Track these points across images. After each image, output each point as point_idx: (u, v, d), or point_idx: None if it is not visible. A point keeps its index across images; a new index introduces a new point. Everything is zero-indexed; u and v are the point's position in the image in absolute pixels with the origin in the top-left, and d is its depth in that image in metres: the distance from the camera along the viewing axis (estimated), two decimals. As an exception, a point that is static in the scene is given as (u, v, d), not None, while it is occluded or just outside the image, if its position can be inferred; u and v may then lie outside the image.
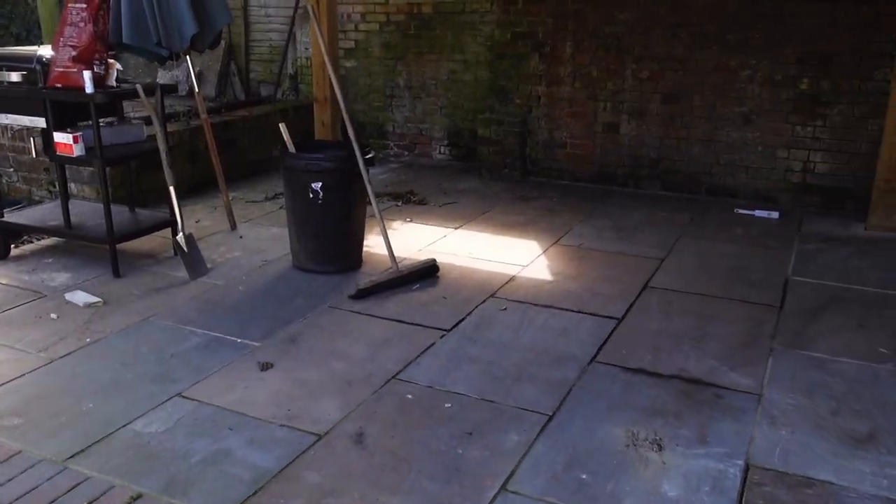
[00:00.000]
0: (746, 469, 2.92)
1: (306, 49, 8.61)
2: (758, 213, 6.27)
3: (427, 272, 4.84)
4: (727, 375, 3.63)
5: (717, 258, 5.25)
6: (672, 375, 3.63)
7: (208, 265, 4.95)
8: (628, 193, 6.99)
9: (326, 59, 5.15)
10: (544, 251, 5.38)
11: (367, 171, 4.77)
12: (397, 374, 3.63)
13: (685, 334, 4.07)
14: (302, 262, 4.95)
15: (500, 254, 5.32)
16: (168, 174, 4.82)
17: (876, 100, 6.09)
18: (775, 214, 6.21)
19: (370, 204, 4.86)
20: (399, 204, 6.60)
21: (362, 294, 4.51)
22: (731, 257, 5.27)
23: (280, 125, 4.85)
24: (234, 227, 5.81)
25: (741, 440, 3.11)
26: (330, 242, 4.89)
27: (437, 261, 4.93)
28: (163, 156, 4.80)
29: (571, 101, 7.17)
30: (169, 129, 5.55)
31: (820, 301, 4.52)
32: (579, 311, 4.35)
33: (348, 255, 4.99)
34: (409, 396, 3.43)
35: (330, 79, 5.34)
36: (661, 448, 3.05)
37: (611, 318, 4.27)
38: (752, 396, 3.44)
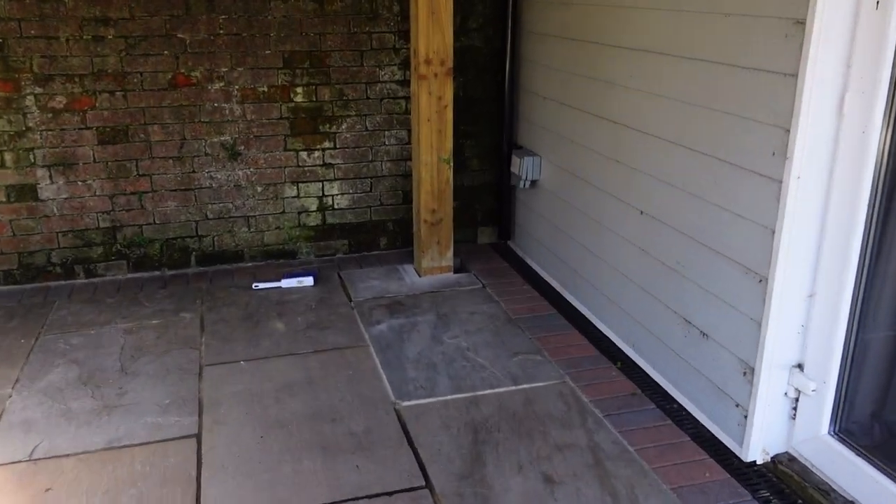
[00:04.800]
0: None
1: None
2: (285, 283, 4.42)
3: None
4: None
5: (280, 403, 3.24)
6: None
7: None
8: (81, 290, 4.41)
9: None
10: (-41, 500, 2.64)
11: None
12: None
13: None
14: None
15: None
16: None
17: (389, 107, 4.73)
18: (309, 280, 4.44)
19: None
20: None
21: None
22: (300, 394, 3.32)
23: None
24: None
25: None
26: None
27: None
28: None
29: (-63, 159, 4.18)
30: None
31: (466, 446, 2.92)
32: None
33: None
34: None
35: None
36: None
37: None
38: None
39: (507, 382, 3.38)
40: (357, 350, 3.69)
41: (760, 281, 2.66)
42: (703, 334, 3.03)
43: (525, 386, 3.36)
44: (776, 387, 2.74)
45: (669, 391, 3.29)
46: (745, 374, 2.79)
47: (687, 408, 3.16)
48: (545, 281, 4.48)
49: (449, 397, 3.27)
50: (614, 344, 3.72)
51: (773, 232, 2.57)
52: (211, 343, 3.76)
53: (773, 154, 2.54)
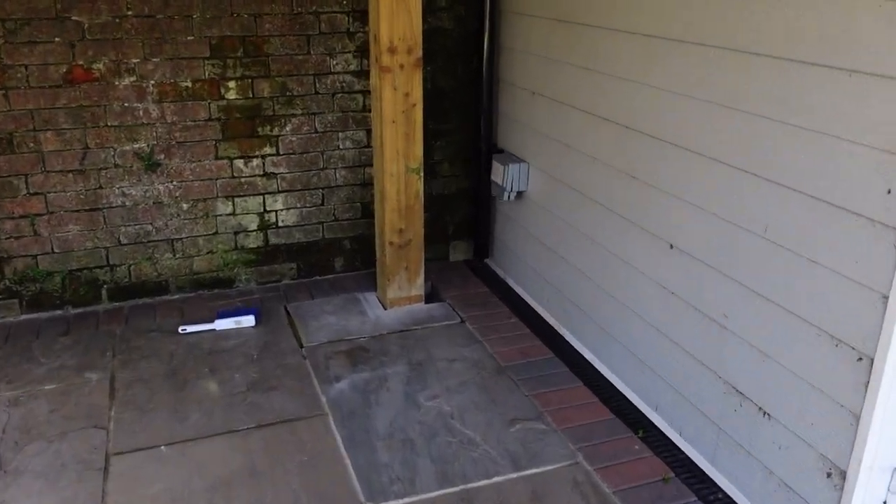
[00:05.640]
0: None
1: None
2: (220, 324, 3.60)
3: None
4: None
5: (213, 507, 2.46)
6: None
7: None
8: (-40, 338, 3.53)
9: None
10: None
11: None
12: None
13: None
14: None
15: None
16: None
17: (343, 103, 3.91)
18: (250, 319, 3.63)
19: None
20: None
21: None
22: (240, 495, 2.52)
23: None
24: None
25: None
26: None
27: None
28: None
29: None
30: None
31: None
32: None
33: None
34: None
35: None
36: None
37: None
38: None
39: (507, 467, 2.66)
40: (312, 422, 2.92)
41: (860, 359, 1.98)
42: (763, 413, 2.34)
43: (530, 472, 2.64)
44: (874, 494, 2.07)
45: (710, 474, 2.61)
46: (829, 475, 2.12)
47: (738, 501, 2.49)
48: (535, 312, 3.76)
49: (435, 494, 2.53)
50: (630, 403, 3.03)
51: (886, 298, 1.88)
52: (123, 417, 2.94)
53: (889, 192, 1.84)
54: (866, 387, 1.97)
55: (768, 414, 2.33)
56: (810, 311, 2.13)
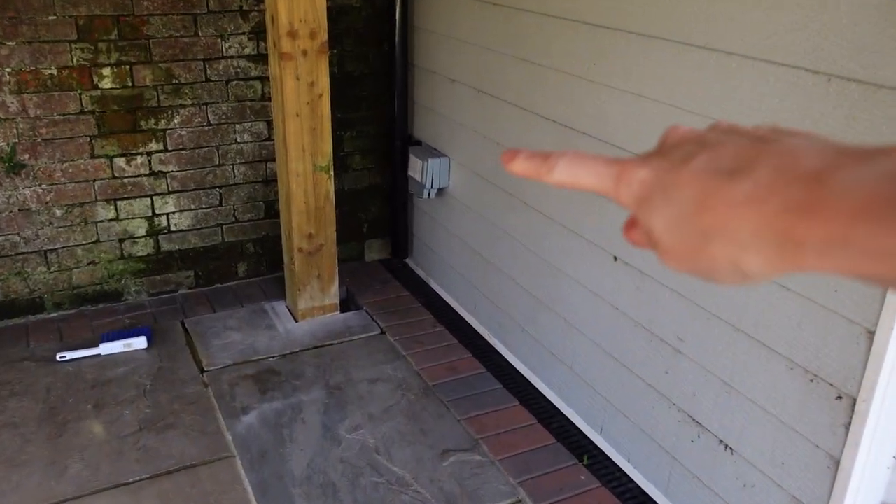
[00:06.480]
0: None
1: None
2: (106, 348, 3.14)
3: None
4: None
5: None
6: None
7: None
8: None
9: None
10: None
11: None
12: None
13: None
14: None
15: None
16: None
17: (239, 91, 3.47)
18: (141, 340, 3.19)
19: None
20: None
21: None
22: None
23: None
24: None
25: None
26: None
27: None
28: None
29: None
30: None
31: None
32: None
33: None
34: None
35: None
36: None
37: None
38: None
39: (443, 512, 2.37)
40: (217, 467, 2.54)
41: (839, 398, 1.77)
42: (725, 446, 2.13)
43: (468, 516, 2.36)
44: (850, 538, 1.89)
45: (665, 507, 2.41)
46: (802, 518, 1.93)
47: (697, 538, 2.29)
48: (463, 319, 3.47)
49: (363, 553, 2.22)
50: (572, 423, 2.79)
51: (872, 333, 1.67)
52: (-13, 475, 2.48)
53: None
54: (847, 428, 1.77)
55: (731, 448, 2.12)
56: (780, 341, 1.91)
